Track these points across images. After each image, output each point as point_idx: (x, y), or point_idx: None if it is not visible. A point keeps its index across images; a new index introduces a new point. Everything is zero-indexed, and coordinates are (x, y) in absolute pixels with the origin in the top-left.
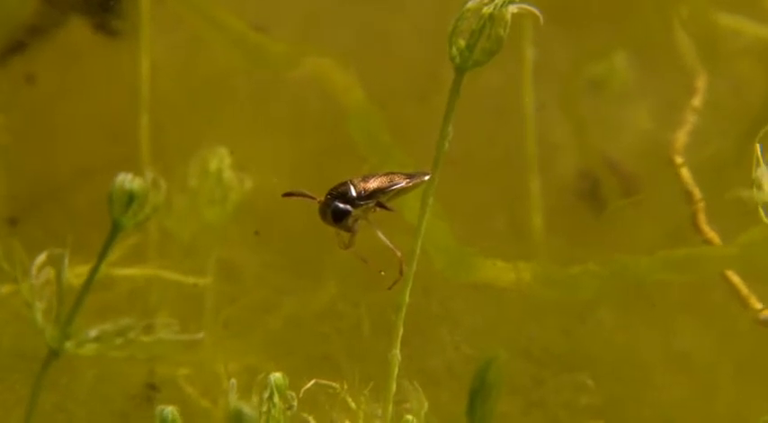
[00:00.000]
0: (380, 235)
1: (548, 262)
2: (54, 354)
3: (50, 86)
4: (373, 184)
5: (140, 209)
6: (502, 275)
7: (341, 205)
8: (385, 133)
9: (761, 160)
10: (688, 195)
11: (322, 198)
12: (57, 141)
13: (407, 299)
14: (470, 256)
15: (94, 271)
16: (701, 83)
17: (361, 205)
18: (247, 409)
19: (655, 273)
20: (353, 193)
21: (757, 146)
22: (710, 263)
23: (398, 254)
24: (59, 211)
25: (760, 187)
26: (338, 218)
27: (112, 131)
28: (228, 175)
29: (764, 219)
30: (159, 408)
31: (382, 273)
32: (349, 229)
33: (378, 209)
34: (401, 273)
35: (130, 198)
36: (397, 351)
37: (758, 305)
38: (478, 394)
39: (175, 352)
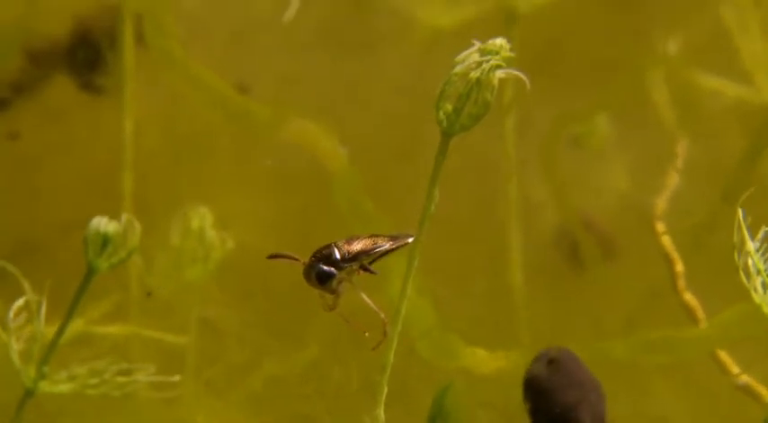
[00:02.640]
0: (364, 297)
1: (527, 349)
2: (29, 393)
3: (34, 143)
4: (357, 246)
5: (115, 251)
6: (482, 364)
7: (325, 268)
8: (367, 200)
9: (743, 224)
10: (668, 262)
11: (306, 260)
12: (40, 198)
13: (392, 359)
14: (451, 344)
15: (73, 307)
16: (681, 147)
17: (346, 267)
18: None
19: (631, 356)
20: (338, 256)
21: (740, 210)
22: (688, 345)
23: (382, 315)
24: (42, 267)
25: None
26: (323, 280)
27: (96, 188)
28: (211, 233)
29: (747, 285)
30: None
31: (366, 334)
32: (333, 292)
33: (361, 272)
34: (385, 333)
35: (105, 241)
36: (381, 411)
37: (736, 370)
38: (437, 421)
39: (156, 409)
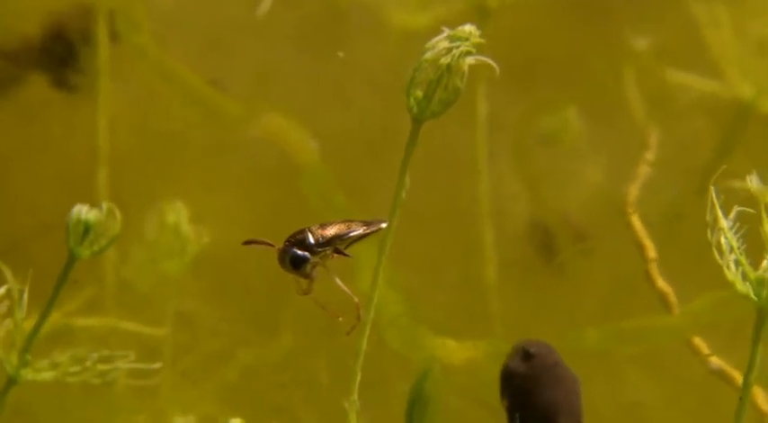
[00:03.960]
0: (338, 281)
1: (496, 339)
2: (12, 381)
3: (8, 142)
4: (331, 231)
5: (96, 239)
6: (452, 354)
7: (299, 252)
8: (338, 193)
9: (716, 204)
10: (640, 248)
11: (281, 245)
12: (15, 196)
13: (365, 345)
14: (420, 334)
15: (55, 294)
16: (653, 139)
17: (319, 252)
18: None
19: (603, 344)
20: (311, 240)
21: (712, 189)
22: (662, 333)
23: (356, 300)
24: (19, 265)
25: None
26: (297, 264)
27: (71, 185)
28: (186, 228)
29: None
30: None
31: (340, 319)
32: (307, 276)
33: (335, 255)
34: (359, 318)
35: (86, 228)
36: (356, 398)
37: (710, 355)
38: (416, 406)
39: (133, 400)
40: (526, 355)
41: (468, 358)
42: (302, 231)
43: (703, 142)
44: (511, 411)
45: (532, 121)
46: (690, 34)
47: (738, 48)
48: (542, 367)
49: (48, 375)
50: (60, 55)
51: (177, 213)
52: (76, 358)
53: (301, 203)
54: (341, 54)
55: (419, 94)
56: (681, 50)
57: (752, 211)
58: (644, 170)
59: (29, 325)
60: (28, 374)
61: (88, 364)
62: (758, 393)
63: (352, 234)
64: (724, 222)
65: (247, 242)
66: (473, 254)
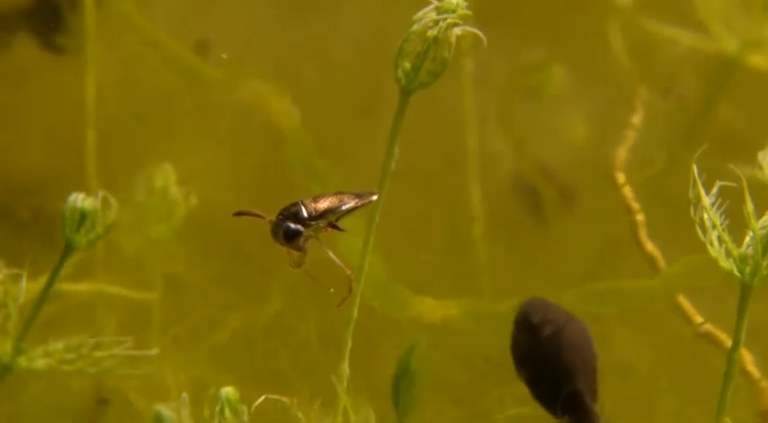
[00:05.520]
0: (330, 254)
1: (483, 299)
2: (6, 368)
3: None
4: (323, 204)
5: (92, 228)
6: (432, 312)
7: (292, 226)
8: (320, 160)
9: (698, 182)
10: (628, 211)
11: (273, 217)
12: (3, 158)
13: (356, 314)
14: (401, 294)
15: (46, 290)
16: (640, 102)
17: (312, 225)
18: (167, 411)
19: (580, 306)
20: (304, 214)
21: (694, 166)
22: (648, 294)
23: (348, 272)
24: (5, 227)
25: (698, 203)
26: (290, 238)
27: (59, 148)
28: (174, 191)
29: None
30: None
31: (331, 290)
32: (300, 249)
33: (328, 229)
34: (350, 290)
35: (82, 217)
36: (346, 365)
37: (699, 319)
38: (402, 381)
39: (124, 366)
40: (530, 326)
41: (449, 316)
42: (295, 204)
43: (689, 96)
44: (530, 385)
45: (518, 79)
46: None
47: (722, 1)
48: (548, 336)
49: (42, 363)
50: (47, 18)
51: (165, 176)
52: (71, 346)
53: (289, 165)
54: None
55: (407, 65)
56: (665, 5)
57: (734, 184)
58: (631, 131)
59: (14, 289)
60: (22, 362)
61: (83, 351)
62: (746, 357)
63: (344, 207)
64: (706, 200)
65: (238, 213)
66: (459, 212)
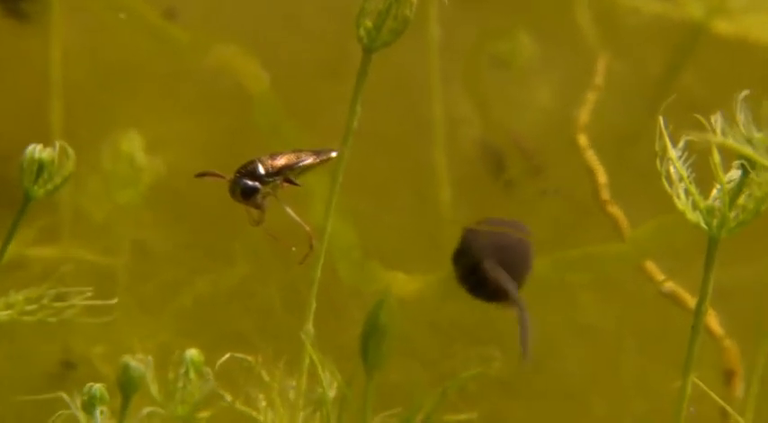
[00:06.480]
0: (289, 211)
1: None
2: None
3: None
4: (281, 161)
5: (50, 178)
6: (402, 286)
7: (249, 183)
8: (288, 123)
9: (665, 133)
10: (591, 173)
11: (231, 176)
12: None
13: (319, 274)
14: (372, 268)
15: (10, 236)
16: (602, 62)
17: (270, 182)
18: (134, 363)
19: (549, 274)
20: (261, 171)
21: (660, 119)
22: (613, 260)
23: (308, 229)
24: None
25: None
26: (247, 195)
27: (24, 115)
28: (140, 156)
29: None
30: (87, 385)
31: (294, 249)
32: (258, 206)
33: (286, 185)
34: (311, 247)
35: (40, 167)
36: (310, 326)
37: (661, 277)
38: (371, 337)
39: (90, 330)
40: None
41: (419, 290)
42: (252, 162)
43: (654, 63)
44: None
45: (484, 45)
46: None
47: None
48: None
49: (3, 315)
50: None
51: (131, 142)
52: (32, 298)
53: (257, 130)
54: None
55: (369, 24)
56: None
57: (701, 136)
58: (593, 96)
59: None
60: None
61: (44, 302)
62: (711, 316)
63: (302, 164)
64: (672, 152)
65: (200, 174)
66: (425, 177)
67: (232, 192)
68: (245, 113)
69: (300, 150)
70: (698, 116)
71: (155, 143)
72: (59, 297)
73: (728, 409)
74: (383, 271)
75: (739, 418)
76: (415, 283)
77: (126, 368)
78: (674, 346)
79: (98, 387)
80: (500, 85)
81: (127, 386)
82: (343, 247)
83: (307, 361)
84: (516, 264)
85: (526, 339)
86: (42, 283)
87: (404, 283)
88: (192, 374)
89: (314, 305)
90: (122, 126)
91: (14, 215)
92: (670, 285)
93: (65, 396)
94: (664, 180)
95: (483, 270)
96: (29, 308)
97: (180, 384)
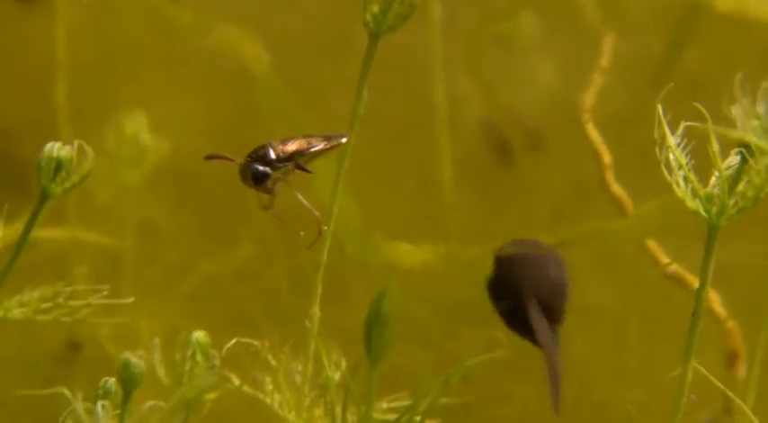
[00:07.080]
0: (299, 196)
1: (452, 243)
2: None
3: None
4: (292, 146)
5: (68, 177)
6: (407, 257)
7: (260, 167)
8: (290, 103)
9: (663, 121)
10: (595, 153)
11: (242, 160)
12: None
13: (325, 257)
14: (376, 240)
15: (23, 240)
16: (607, 44)
17: (280, 167)
18: (134, 359)
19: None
20: (272, 156)
21: (659, 106)
22: (616, 236)
23: (317, 214)
24: None
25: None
26: (258, 180)
27: (30, 96)
28: (145, 137)
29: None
30: (103, 380)
31: (302, 233)
32: (269, 191)
33: (297, 171)
34: (320, 232)
35: (58, 166)
36: (317, 309)
37: (666, 259)
38: (375, 326)
39: (99, 315)
40: (505, 258)
41: (424, 261)
42: (263, 147)
43: (656, 42)
44: (502, 314)
45: (487, 25)
46: None
47: None
48: (514, 264)
49: (18, 313)
50: None
51: (136, 123)
52: (46, 296)
53: (260, 111)
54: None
55: (375, 9)
56: None
57: (699, 125)
58: (599, 78)
59: None
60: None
61: (59, 300)
62: (713, 298)
63: (313, 149)
64: (671, 139)
65: (209, 157)
66: (428, 157)
67: (243, 176)
68: (250, 94)
69: (311, 135)
70: (697, 105)
71: (159, 124)
72: (73, 295)
73: (729, 393)
74: (388, 242)
75: (741, 403)
76: (422, 253)
77: (126, 364)
78: (678, 327)
79: (112, 382)
80: (502, 64)
81: (127, 382)
82: (348, 226)
83: (313, 346)
84: (557, 301)
85: (557, 389)
86: (49, 265)
87: (410, 254)
88: (199, 357)
89: (320, 289)
90: (127, 106)
91: (20, 194)
92: (674, 268)
93: (66, 392)
94: (663, 167)
95: (525, 311)
96: (44, 306)
97: (187, 366)
